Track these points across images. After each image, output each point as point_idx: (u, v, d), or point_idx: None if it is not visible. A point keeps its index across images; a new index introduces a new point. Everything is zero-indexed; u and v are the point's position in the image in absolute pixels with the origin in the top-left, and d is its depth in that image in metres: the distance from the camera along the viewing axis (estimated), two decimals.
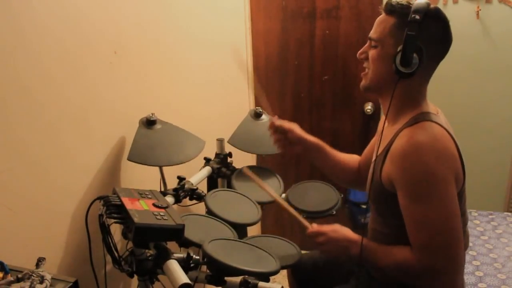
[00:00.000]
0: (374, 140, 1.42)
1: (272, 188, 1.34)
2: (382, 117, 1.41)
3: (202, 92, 1.97)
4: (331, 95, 2.47)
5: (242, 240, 1.27)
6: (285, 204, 1.33)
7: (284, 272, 1.70)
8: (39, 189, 1.16)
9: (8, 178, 1.06)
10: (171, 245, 1.13)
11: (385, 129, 1.25)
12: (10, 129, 1.06)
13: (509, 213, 2.16)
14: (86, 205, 1.11)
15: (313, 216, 1.61)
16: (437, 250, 1.05)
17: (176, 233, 1.04)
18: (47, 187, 1.19)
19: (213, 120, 2.04)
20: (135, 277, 1.16)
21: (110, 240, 1.09)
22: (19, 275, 0.90)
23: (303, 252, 1.51)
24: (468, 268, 1.73)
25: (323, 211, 1.61)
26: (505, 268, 1.72)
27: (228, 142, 1.72)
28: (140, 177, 1.55)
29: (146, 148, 1.41)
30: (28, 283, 0.88)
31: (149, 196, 1.16)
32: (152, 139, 1.45)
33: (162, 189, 1.49)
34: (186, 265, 1.07)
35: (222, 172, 1.70)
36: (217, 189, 1.54)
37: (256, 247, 1.24)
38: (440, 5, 2.25)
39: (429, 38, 1.08)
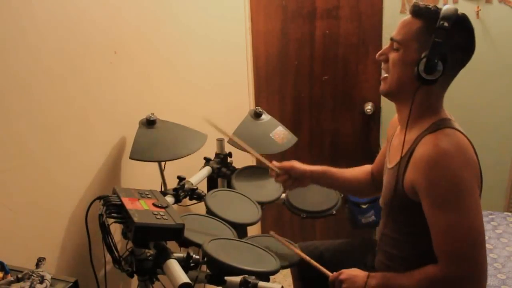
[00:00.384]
0: (386, 147, 1.41)
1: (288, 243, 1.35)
2: (391, 123, 1.41)
3: (202, 92, 1.97)
4: (331, 95, 2.47)
5: (242, 240, 1.27)
6: (307, 258, 1.32)
7: (284, 272, 1.70)
8: (39, 189, 1.16)
9: (8, 178, 1.06)
10: (171, 245, 1.13)
11: (398, 135, 1.23)
12: (10, 129, 1.06)
13: (509, 213, 2.16)
14: (86, 205, 1.11)
15: (313, 216, 1.61)
16: (462, 257, 1.04)
17: (176, 233, 1.04)
18: (47, 187, 1.19)
19: (213, 120, 2.04)
20: (135, 277, 1.16)
21: (110, 240, 1.09)
22: (19, 275, 0.90)
23: (304, 243, 1.51)
24: None
25: (323, 211, 1.61)
26: (505, 268, 1.72)
27: (228, 142, 1.72)
28: (140, 177, 1.55)
29: (148, 145, 1.41)
30: (28, 283, 0.88)
31: (149, 196, 1.16)
32: (153, 136, 1.44)
33: (162, 189, 1.49)
34: (186, 264, 1.07)
35: (222, 172, 1.70)
36: (217, 189, 1.54)
37: (256, 247, 1.24)
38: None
39: (454, 46, 1.05)
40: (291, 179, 1.44)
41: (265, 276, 1.13)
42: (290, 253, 1.33)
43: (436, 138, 1.07)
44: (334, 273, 1.25)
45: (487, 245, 1.88)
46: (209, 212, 1.38)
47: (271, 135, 1.78)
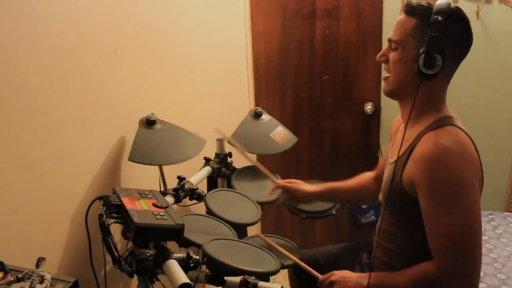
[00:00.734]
0: (388, 147, 1.41)
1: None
2: (394, 122, 1.41)
3: (202, 92, 1.97)
4: (331, 95, 2.47)
5: (242, 240, 1.27)
6: (296, 260, 1.33)
7: (284, 272, 1.70)
8: (39, 189, 1.16)
9: (8, 178, 1.06)
10: (171, 245, 1.13)
11: (402, 132, 1.23)
12: (10, 129, 1.06)
13: (509, 213, 2.16)
14: (86, 205, 1.11)
15: (313, 216, 1.61)
16: (458, 253, 1.04)
17: (176, 233, 1.04)
18: (47, 187, 1.19)
19: (213, 120, 2.04)
20: (135, 277, 1.16)
21: (110, 240, 1.09)
22: (19, 275, 0.90)
23: (303, 251, 1.52)
24: None
25: (323, 211, 1.61)
26: (505, 268, 1.72)
27: (228, 142, 1.72)
28: (140, 177, 1.55)
29: (146, 148, 1.41)
30: (28, 283, 0.88)
31: (149, 196, 1.16)
32: (152, 138, 1.45)
33: (162, 189, 1.49)
34: (186, 265, 1.07)
35: (222, 172, 1.70)
36: (217, 189, 1.54)
37: (256, 247, 1.24)
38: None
39: (451, 39, 1.07)
40: (297, 200, 1.52)
41: (265, 276, 1.13)
42: (291, 253, 1.33)
43: (437, 135, 1.08)
44: (324, 275, 1.25)
45: (487, 245, 1.88)
46: (209, 212, 1.38)
47: (271, 135, 1.78)
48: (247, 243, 1.25)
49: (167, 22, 1.69)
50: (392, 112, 2.45)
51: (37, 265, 0.95)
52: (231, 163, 1.74)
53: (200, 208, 1.58)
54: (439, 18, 1.03)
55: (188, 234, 1.13)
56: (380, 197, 1.31)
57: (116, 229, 1.29)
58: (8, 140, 1.06)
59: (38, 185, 1.15)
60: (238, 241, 1.26)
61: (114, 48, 1.40)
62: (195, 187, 1.48)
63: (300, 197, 1.49)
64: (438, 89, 1.15)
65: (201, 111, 1.96)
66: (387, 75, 1.20)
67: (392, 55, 1.16)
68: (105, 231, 1.07)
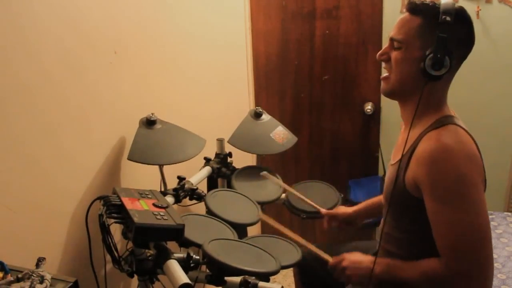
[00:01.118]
0: None
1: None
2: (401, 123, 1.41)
3: (202, 92, 1.97)
4: (331, 95, 2.47)
5: (242, 240, 1.27)
6: (303, 240, 1.34)
7: (284, 272, 1.71)
8: (39, 189, 1.16)
9: (8, 178, 1.06)
10: (171, 245, 1.13)
11: (402, 133, 1.23)
12: (10, 129, 1.06)
13: (509, 213, 2.16)
14: (86, 205, 1.11)
15: (313, 216, 1.61)
16: (465, 253, 1.03)
17: (176, 233, 1.04)
18: (47, 187, 1.19)
19: (213, 120, 2.04)
20: (135, 277, 1.16)
21: (110, 240, 1.09)
22: (19, 275, 0.90)
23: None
24: None
25: None
26: (505, 268, 1.72)
27: (228, 142, 1.72)
28: (140, 177, 1.55)
29: (146, 147, 1.41)
30: (28, 283, 0.88)
31: (149, 196, 1.15)
32: (152, 138, 1.45)
33: (162, 189, 1.49)
34: (186, 265, 1.07)
35: (222, 172, 1.70)
36: (217, 189, 1.54)
37: (256, 247, 1.24)
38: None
39: (456, 39, 1.05)
40: (343, 224, 1.55)
41: (265, 277, 1.13)
42: (290, 253, 1.33)
43: (439, 134, 1.07)
44: (335, 258, 1.24)
45: None
46: (209, 212, 1.38)
47: (271, 135, 1.78)
48: (247, 243, 1.25)
49: (167, 22, 1.69)
50: (392, 112, 2.46)
51: (37, 265, 0.95)
52: (231, 163, 1.74)
53: (200, 208, 1.58)
54: (448, 18, 1.01)
55: (188, 234, 1.12)
56: (383, 198, 1.31)
57: (116, 229, 1.29)
58: (8, 140, 1.06)
59: (38, 185, 1.15)
60: (238, 241, 1.26)
61: (114, 48, 1.40)
62: (195, 187, 1.48)
63: (348, 221, 1.52)
64: (441, 89, 1.14)
65: (201, 111, 1.96)
66: (386, 74, 1.18)
67: (395, 54, 1.14)
68: (105, 231, 1.07)
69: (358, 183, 2.49)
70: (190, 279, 0.97)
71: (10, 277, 0.90)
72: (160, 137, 1.47)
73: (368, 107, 2.41)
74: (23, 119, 1.09)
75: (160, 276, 1.14)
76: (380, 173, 2.58)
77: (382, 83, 1.20)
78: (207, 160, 1.70)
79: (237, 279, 1.12)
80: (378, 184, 2.41)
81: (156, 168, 1.47)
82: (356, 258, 1.23)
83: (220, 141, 1.74)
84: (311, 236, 2.70)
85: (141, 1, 1.53)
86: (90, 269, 1.15)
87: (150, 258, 1.12)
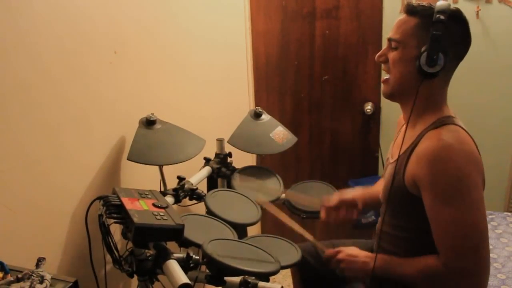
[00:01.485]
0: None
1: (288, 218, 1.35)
2: (398, 121, 1.41)
3: (202, 92, 1.97)
4: (331, 95, 2.47)
5: (242, 240, 1.27)
6: (302, 230, 1.33)
7: (284, 272, 1.70)
8: (39, 189, 1.16)
9: (8, 178, 1.06)
10: (171, 245, 1.13)
11: (402, 131, 1.23)
12: (10, 129, 1.06)
13: (509, 213, 2.16)
14: (86, 205, 1.11)
15: (313, 216, 1.61)
16: (465, 252, 1.04)
17: (176, 233, 1.04)
18: (47, 187, 1.19)
19: (213, 120, 2.04)
20: (135, 277, 1.16)
21: (110, 240, 1.09)
22: (19, 275, 0.90)
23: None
24: None
25: None
26: (505, 268, 1.72)
27: (228, 142, 1.72)
28: (140, 177, 1.55)
29: (145, 148, 1.41)
30: (28, 283, 0.88)
31: (149, 196, 1.15)
32: (152, 138, 1.45)
33: (162, 189, 1.49)
34: (186, 265, 1.07)
35: (222, 172, 1.70)
36: (217, 189, 1.54)
37: (256, 247, 1.24)
38: None
39: (451, 38, 1.07)
40: (355, 211, 1.45)
41: (265, 277, 1.13)
42: (290, 253, 1.33)
43: (439, 133, 1.08)
44: (332, 249, 1.25)
45: None
46: (209, 212, 1.38)
47: (271, 135, 1.78)
48: (247, 243, 1.25)
49: (167, 22, 1.69)
50: (392, 112, 2.46)
51: (37, 265, 0.95)
52: (231, 163, 1.74)
53: (200, 208, 1.58)
54: (441, 17, 1.04)
55: (188, 234, 1.13)
56: (381, 196, 1.31)
57: (116, 229, 1.29)
58: (8, 140, 1.06)
59: (38, 185, 1.15)
60: (238, 241, 1.26)
61: (114, 48, 1.40)
62: (195, 187, 1.48)
63: (347, 202, 1.45)
64: (439, 89, 1.15)
65: (201, 111, 1.96)
66: (386, 77, 1.20)
67: (392, 55, 1.16)
68: (105, 231, 1.07)
69: (358, 183, 2.48)
70: (189, 279, 0.97)
71: (10, 277, 0.90)
72: (160, 137, 1.47)
73: (368, 107, 2.41)
74: (23, 119, 1.09)
75: (160, 276, 1.14)
76: (380, 173, 2.59)
77: (383, 86, 1.22)
78: (207, 160, 1.70)
79: (237, 279, 1.12)
80: (383, 184, 2.40)
81: (156, 168, 1.47)
82: (352, 251, 1.24)
83: (220, 141, 1.75)
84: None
85: (141, 1, 1.53)
86: (90, 269, 1.15)
87: (150, 258, 1.12)
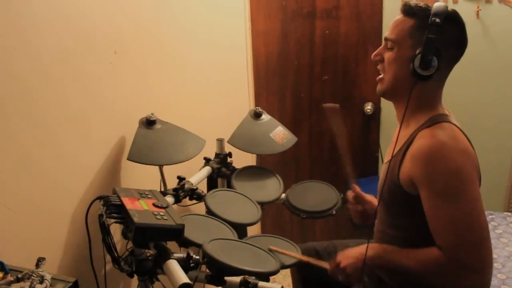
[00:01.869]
0: None
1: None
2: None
3: (202, 92, 1.97)
4: (331, 95, 2.47)
5: (242, 240, 1.27)
6: (305, 258, 1.31)
7: (284, 272, 1.71)
8: (39, 189, 1.16)
9: (8, 178, 1.06)
10: (171, 245, 1.13)
11: (397, 131, 1.24)
12: (10, 129, 1.06)
13: (509, 213, 2.16)
14: (86, 205, 1.11)
15: (313, 216, 1.61)
16: (468, 246, 1.02)
17: (176, 233, 1.04)
18: (47, 187, 1.19)
19: (213, 120, 2.04)
20: (135, 277, 1.16)
21: (110, 240, 1.09)
22: (19, 275, 0.90)
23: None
24: None
25: (323, 211, 1.61)
26: (505, 268, 1.72)
27: (228, 142, 1.72)
28: (140, 177, 1.55)
29: (146, 148, 1.41)
30: (28, 283, 0.88)
31: (149, 196, 1.15)
32: (152, 138, 1.45)
33: (162, 189, 1.49)
34: (186, 265, 1.07)
35: (222, 172, 1.70)
36: (217, 189, 1.54)
37: (256, 247, 1.24)
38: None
39: (447, 41, 1.08)
40: (365, 213, 1.45)
41: (265, 277, 1.13)
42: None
43: (433, 131, 1.08)
44: (331, 263, 1.24)
45: None
46: (209, 212, 1.38)
47: (271, 135, 1.78)
48: (247, 243, 1.25)
49: (167, 22, 1.69)
50: (392, 112, 2.45)
51: (37, 265, 0.95)
52: (231, 163, 1.74)
53: (200, 208, 1.58)
54: (437, 20, 1.04)
55: (188, 234, 1.13)
56: (377, 196, 1.31)
57: (116, 229, 1.29)
58: (8, 140, 1.06)
59: (38, 185, 1.15)
60: (238, 241, 1.26)
61: (114, 48, 1.40)
62: (195, 187, 1.48)
63: (370, 211, 1.45)
64: (432, 90, 1.16)
65: (201, 111, 1.96)
66: (380, 76, 1.21)
67: (388, 55, 1.17)
68: (105, 231, 1.07)
69: (358, 183, 2.48)
70: (190, 279, 0.97)
71: (10, 277, 0.90)
72: (160, 137, 1.47)
73: (368, 107, 2.41)
74: (23, 119, 1.09)
75: (160, 276, 1.14)
76: (380, 173, 2.59)
77: (378, 85, 1.23)
78: (207, 160, 1.70)
79: (237, 279, 1.12)
80: (378, 184, 2.40)
81: (156, 168, 1.47)
82: (349, 252, 1.22)
83: (220, 141, 1.75)
84: (311, 236, 2.70)
85: (141, 1, 1.53)
86: (90, 269, 1.15)
87: (150, 258, 1.12)
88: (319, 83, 2.46)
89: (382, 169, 1.28)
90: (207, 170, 1.66)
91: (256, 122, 1.80)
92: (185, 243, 1.18)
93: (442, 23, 1.04)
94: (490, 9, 2.26)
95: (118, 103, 1.45)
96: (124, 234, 1.11)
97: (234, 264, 1.07)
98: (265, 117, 1.82)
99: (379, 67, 1.22)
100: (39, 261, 0.96)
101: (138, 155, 1.39)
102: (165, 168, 1.49)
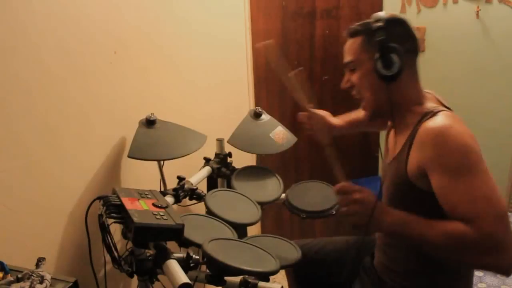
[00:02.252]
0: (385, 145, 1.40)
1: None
2: (389, 125, 1.42)
3: (202, 92, 1.97)
4: (331, 95, 2.47)
5: (242, 240, 1.27)
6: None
7: (284, 272, 1.70)
8: (39, 189, 1.16)
9: (8, 178, 1.06)
10: (171, 245, 1.13)
11: (392, 138, 1.25)
12: (10, 129, 1.06)
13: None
14: (86, 205, 1.11)
15: (313, 216, 1.61)
16: (493, 218, 0.96)
17: (176, 233, 1.04)
18: (47, 187, 1.19)
19: (213, 120, 2.04)
20: (135, 277, 1.16)
21: (110, 240, 1.09)
22: (19, 275, 0.90)
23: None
24: None
25: (323, 211, 1.61)
26: None
27: (228, 142, 1.72)
28: (140, 177, 1.55)
29: (146, 144, 1.41)
30: (28, 283, 0.88)
31: (149, 196, 1.15)
32: (152, 136, 1.44)
33: (162, 189, 1.49)
34: (186, 265, 1.07)
35: (222, 172, 1.70)
36: (217, 189, 1.54)
37: (256, 247, 1.24)
38: (440, 6, 2.25)
39: (397, 37, 1.12)
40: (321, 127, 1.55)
41: (265, 276, 1.13)
42: (290, 253, 1.33)
43: (435, 119, 1.08)
44: (346, 184, 1.17)
45: None
46: (209, 212, 1.38)
47: (271, 135, 1.78)
48: (247, 243, 1.25)
49: (167, 22, 1.69)
50: None
51: (37, 265, 0.95)
52: (231, 163, 1.74)
53: (200, 208, 1.58)
54: (380, 23, 1.12)
55: (188, 234, 1.13)
56: (383, 198, 1.30)
57: (116, 229, 1.29)
58: (8, 140, 1.06)
59: (38, 185, 1.15)
60: (238, 241, 1.26)
61: (114, 48, 1.40)
62: (195, 187, 1.48)
63: (322, 126, 1.53)
64: (411, 87, 1.17)
65: (201, 111, 1.97)
66: (362, 102, 1.24)
67: (354, 77, 1.21)
68: (105, 231, 1.07)
69: (358, 183, 2.48)
70: (190, 279, 0.97)
71: (10, 277, 0.90)
72: (161, 134, 1.46)
73: None
74: (23, 119, 1.09)
75: (160, 276, 1.14)
76: (380, 173, 2.59)
77: (364, 113, 1.28)
78: (207, 160, 1.70)
79: (237, 279, 1.12)
80: (378, 184, 2.40)
81: (156, 168, 1.47)
82: (370, 197, 1.10)
83: (220, 141, 1.75)
84: (311, 236, 2.70)
85: (141, 1, 1.53)
86: (90, 269, 1.15)
87: (150, 258, 1.12)
88: (319, 83, 2.46)
89: (387, 169, 1.27)
90: (207, 170, 1.66)
91: (256, 122, 1.80)
92: (185, 243, 1.18)
93: (385, 25, 1.11)
94: (490, 9, 2.26)
95: (118, 103, 1.45)
96: (124, 234, 1.12)
97: (234, 264, 1.07)
98: (265, 117, 1.82)
99: (353, 93, 1.25)
100: (39, 261, 0.96)
101: (139, 152, 1.38)
102: (165, 167, 1.49)
